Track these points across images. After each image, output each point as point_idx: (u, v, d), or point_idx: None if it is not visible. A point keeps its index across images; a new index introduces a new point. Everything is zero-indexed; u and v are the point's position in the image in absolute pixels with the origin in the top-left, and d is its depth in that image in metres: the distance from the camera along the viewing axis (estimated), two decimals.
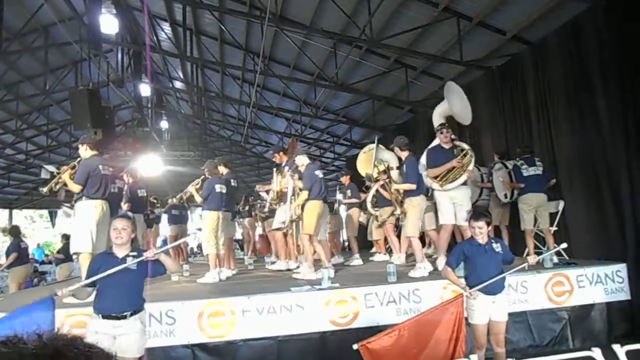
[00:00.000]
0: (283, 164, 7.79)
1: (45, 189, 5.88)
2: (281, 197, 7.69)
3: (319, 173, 6.74)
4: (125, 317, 3.47)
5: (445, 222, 6.15)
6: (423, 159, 6.51)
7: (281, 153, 8.09)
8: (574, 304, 5.52)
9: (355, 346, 3.70)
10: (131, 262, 3.48)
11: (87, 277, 3.60)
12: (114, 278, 3.44)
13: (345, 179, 9.64)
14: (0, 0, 8.04)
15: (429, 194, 6.65)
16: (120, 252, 3.57)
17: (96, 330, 3.41)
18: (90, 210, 5.37)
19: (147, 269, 3.61)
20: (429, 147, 6.61)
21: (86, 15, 9.11)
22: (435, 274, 5.82)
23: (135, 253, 3.60)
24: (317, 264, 6.74)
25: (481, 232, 4.00)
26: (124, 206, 7.23)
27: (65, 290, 3.44)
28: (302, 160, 6.82)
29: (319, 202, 6.59)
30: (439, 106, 7.29)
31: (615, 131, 5.95)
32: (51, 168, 6.48)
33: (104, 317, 3.46)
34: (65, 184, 5.65)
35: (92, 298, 3.59)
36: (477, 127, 9.16)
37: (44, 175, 6.42)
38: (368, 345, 3.76)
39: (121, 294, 3.48)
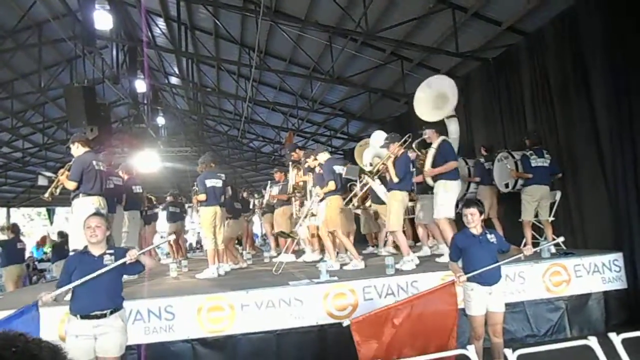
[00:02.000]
0: (301, 160, 7.96)
1: (46, 195, 5.90)
2: (297, 190, 7.96)
3: (338, 168, 6.80)
4: (105, 316, 3.42)
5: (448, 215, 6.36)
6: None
7: (297, 150, 8.38)
8: (571, 294, 5.55)
9: (345, 322, 3.72)
10: (113, 265, 3.44)
11: (63, 277, 3.54)
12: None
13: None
14: None
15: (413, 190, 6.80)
16: (96, 251, 3.54)
17: (76, 334, 3.37)
18: (87, 206, 5.35)
19: (128, 267, 3.58)
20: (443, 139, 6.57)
21: (80, 11, 9.05)
22: (431, 265, 5.84)
23: (112, 251, 3.57)
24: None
25: (473, 218, 4.02)
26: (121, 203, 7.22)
27: (47, 296, 3.39)
28: (323, 157, 6.91)
29: (340, 197, 6.70)
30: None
31: (611, 121, 5.95)
32: (48, 174, 6.51)
33: (82, 317, 3.39)
34: (64, 186, 5.66)
35: (68, 297, 3.54)
36: (473, 118, 9.17)
37: (41, 182, 6.46)
38: (358, 321, 3.78)
39: (100, 292, 3.43)
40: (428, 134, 6.51)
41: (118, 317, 3.51)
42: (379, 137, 7.85)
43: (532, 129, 7.29)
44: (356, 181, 7.47)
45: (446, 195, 6.21)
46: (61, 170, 5.80)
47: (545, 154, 6.64)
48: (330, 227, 6.57)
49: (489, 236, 4.08)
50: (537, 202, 6.60)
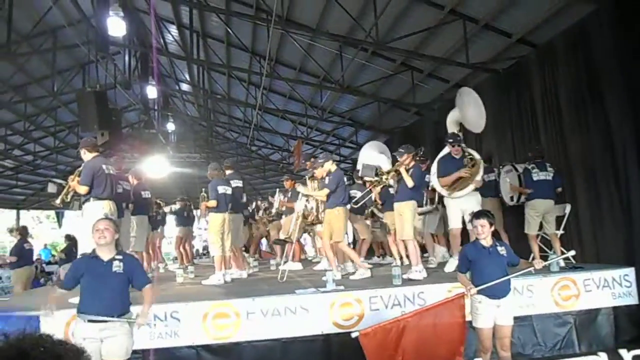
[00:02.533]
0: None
1: (57, 201, 5.96)
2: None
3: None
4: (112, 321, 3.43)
5: (453, 226, 6.44)
6: (434, 167, 6.63)
7: (312, 159, 8.29)
8: (580, 308, 5.48)
9: (354, 334, 3.71)
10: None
11: (68, 279, 3.58)
12: (99, 281, 3.43)
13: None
14: (10, 3, 8.12)
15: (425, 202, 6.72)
16: (104, 255, 3.53)
17: (83, 337, 3.37)
18: (97, 210, 5.38)
19: (134, 273, 3.60)
20: (440, 156, 6.65)
21: (94, 17, 9.18)
22: (438, 277, 5.81)
23: (121, 257, 3.57)
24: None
25: (484, 230, 3.99)
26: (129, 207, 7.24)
27: (49, 307, 3.44)
28: (329, 166, 6.83)
29: (345, 208, 6.67)
30: (452, 113, 7.17)
31: (624, 134, 5.91)
32: (58, 181, 6.58)
33: (89, 320, 3.40)
34: (75, 192, 5.70)
35: (75, 300, 3.55)
36: (483, 130, 9.12)
37: (51, 189, 6.52)
38: (367, 333, 3.76)
39: (108, 297, 3.44)
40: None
41: (125, 322, 3.51)
42: (369, 150, 7.89)
43: (535, 143, 7.23)
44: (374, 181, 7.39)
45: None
46: (71, 177, 5.85)
47: (548, 167, 6.54)
48: (335, 238, 6.55)
49: (499, 248, 4.05)
50: (541, 216, 6.50)
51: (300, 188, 7.42)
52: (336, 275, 6.40)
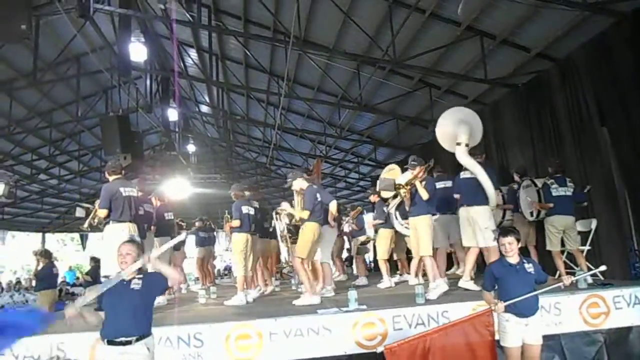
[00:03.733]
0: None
1: (85, 225, 6.10)
2: None
3: (319, 196, 6.57)
4: (130, 343, 3.38)
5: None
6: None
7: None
8: (610, 327, 5.32)
9: (379, 349, 3.66)
10: (128, 270, 3.51)
11: (98, 301, 3.58)
12: (119, 300, 3.43)
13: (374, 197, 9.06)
14: (35, 33, 8.39)
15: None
16: (127, 276, 3.56)
17: (103, 359, 3.39)
18: (117, 233, 5.46)
19: (154, 289, 3.62)
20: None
21: (116, 44, 9.42)
22: (461, 294, 5.71)
23: (141, 275, 3.60)
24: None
25: (511, 247, 3.93)
26: (152, 229, 7.32)
27: (71, 310, 3.39)
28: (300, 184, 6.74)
29: (316, 225, 6.47)
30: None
31: None
32: (86, 205, 6.77)
33: (109, 342, 3.39)
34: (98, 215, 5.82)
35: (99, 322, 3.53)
36: (504, 145, 9.05)
37: (79, 214, 6.71)
38: (393, 349, 3.71)
39: (126, 317, 3.42)
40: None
41: (144, 345, 3.45)
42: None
43: (555, 158, 7.10)
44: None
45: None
46: (97, 201, 5.97)
47: (568, 183, 6.40)
48: (300, 254, 6.39)
49: (526, 265, 3.97)
50: (561, 232, 6.34)
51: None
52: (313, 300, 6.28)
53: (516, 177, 7.54)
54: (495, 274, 4.02)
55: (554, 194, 6.38)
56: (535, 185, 6.98)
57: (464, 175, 6.33)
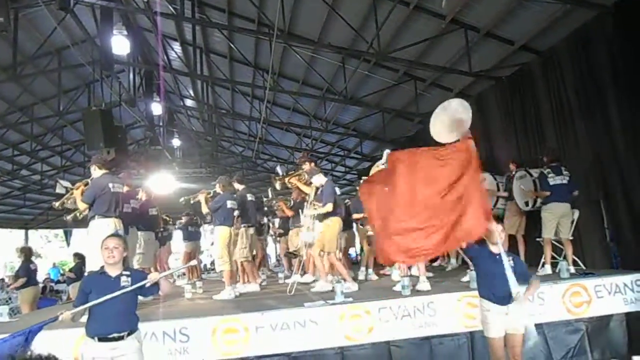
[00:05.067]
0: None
1: (57, 204, 5.96)
2: None
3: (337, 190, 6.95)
4: (122, 338, 3.40)
5: None
6: None
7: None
8: (592, 315, 5.42)
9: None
10: (133, 287, 3.44)
11: (79, 297, 3.51)
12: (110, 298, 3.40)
13: None
14: (15, 25, 8.22)
15: None
16: (112, 272, 3.53)
17: (93, 357, 3.36)
18: (102, 228, 5.39)
19: (141, 287, 3.56)
20: None
21: (98, 37, 9.28)
22: (446, 286, 5.77)
23: (128, 272, 3.56)
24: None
25: (502, 236, 3.97)
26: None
27: (67, 313, 3.36)
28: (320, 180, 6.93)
29: (339, 218, 6.80)
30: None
31: (628, 139, 5.89)
32: (66, 183, 6.59)
33: (100, 339, 3.38)
34: (75, 201, 5.72)
35: (84, 319, 3.51)
36: (489, 137, 9.13)
37: (59, 189, 6.51)
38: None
39: (117, 314, 3.42)
40: None
41: (134, 339, 3.50)
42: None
43: (551, 146, 7.18)
44: None
45: None
46: (78, 184, 5.87)
47: (563, 171, 6.51)
48: (327, 249, 6.62)
49: (506, 257, 3.94)
50: (557, 219, 6.47)
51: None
52: (325, 287, 6.45)
53: (512, 167, 7.60)
54: (471, 252, 4.12)
55: (551, 183, 6.48)
56: (531, 175, 7.06)
57: None
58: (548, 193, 6.51)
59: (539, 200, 6.84)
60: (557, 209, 6.47)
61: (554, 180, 6.47)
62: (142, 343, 3.62)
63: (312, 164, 7.50)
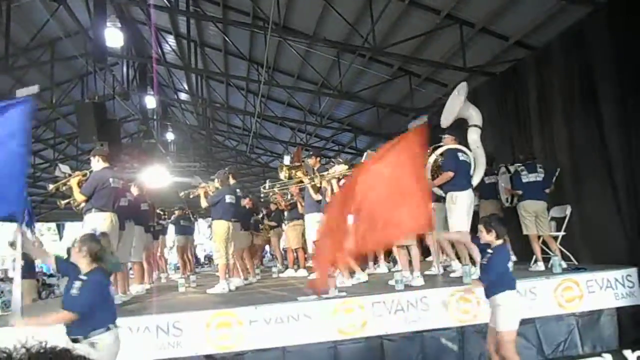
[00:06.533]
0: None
1: (52, 187, 5.90)
2: None
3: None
4: (78, 341, 3.21)
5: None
6: None
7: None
8: (583, 310, 5.46)
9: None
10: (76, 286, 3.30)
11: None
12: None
13: None
14: (7, 17, 8.15)
15: None
16: (84, 268, 3.38)
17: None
18: (99, 222, 5.37)
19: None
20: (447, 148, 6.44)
21: (91, 29, 9.21)
22: (439, 281, 5.80)
23: (85, 278, 3.33)
24: None
25: (481, 235, 4.05)
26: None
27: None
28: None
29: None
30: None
31: (619, 136, 5.92)
32: (65, 168, 6.52)
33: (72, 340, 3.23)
34: (71, 189, 5.67)
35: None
36: (483, 132, 9.12)
37: (58, 173, 6.45)
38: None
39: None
40: (446, 139, 6.41)
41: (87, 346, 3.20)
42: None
43: (526, 145, 7.23)
44: None
45: (453, 208, 6.04)
46: (77, 172, 5.82)
47: (538, 169, 6.55)
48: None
49: (488, 251, 4.05)
50: (533, 217, 6.48)
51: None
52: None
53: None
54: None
55: (524, 180, 6.53)
56: (509, 171, 7.11)
57: (462, 157, 6.20)
58: (519, 192, 6.56)
59: (515, 198, 6.89)
60: (530, 207, 6.47)
61: (527, 177, 6.51)
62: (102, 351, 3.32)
63: (318, 159, 7.51)
